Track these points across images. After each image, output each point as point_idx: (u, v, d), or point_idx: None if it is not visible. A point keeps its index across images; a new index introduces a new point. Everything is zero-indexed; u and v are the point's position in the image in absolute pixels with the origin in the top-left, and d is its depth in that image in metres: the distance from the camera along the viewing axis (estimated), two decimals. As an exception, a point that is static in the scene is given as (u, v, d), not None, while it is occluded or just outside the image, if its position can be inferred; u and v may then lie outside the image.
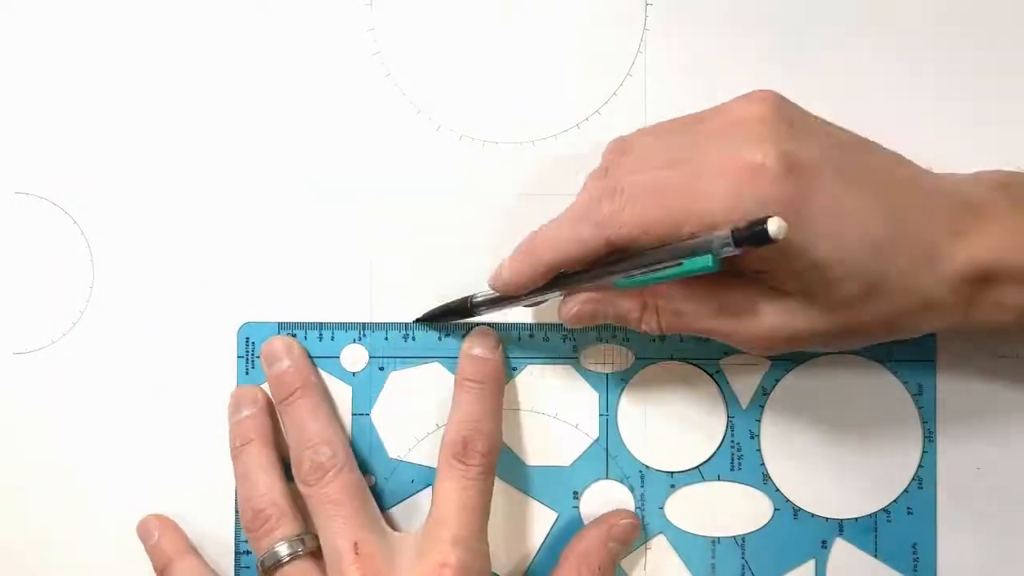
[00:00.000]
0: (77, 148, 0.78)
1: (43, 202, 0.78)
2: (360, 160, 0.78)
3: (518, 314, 0.76)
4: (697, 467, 0.77)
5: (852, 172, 0.59)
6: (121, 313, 0.78)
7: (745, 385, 0.77)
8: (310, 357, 0.76)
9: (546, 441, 0.78)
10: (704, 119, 0.63)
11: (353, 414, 0.77)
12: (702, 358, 0.77)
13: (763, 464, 0.77)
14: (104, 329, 0.78)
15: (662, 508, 0.77)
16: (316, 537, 0.69)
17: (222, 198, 0.78)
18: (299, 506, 0.72)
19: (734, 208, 0.55)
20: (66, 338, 0.78)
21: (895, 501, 0.77)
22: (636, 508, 0.77)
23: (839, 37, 0.78)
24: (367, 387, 0.77)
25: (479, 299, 0.72)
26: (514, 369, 0.77)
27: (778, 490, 0.77)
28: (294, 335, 0.76)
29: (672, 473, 0.77)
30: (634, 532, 0.75)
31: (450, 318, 0.76)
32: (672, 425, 0.77)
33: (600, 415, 0.77)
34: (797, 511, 0.77)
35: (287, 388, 0.74)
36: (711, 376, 0.77)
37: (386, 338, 0.77)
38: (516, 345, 0.77)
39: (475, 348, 0.74)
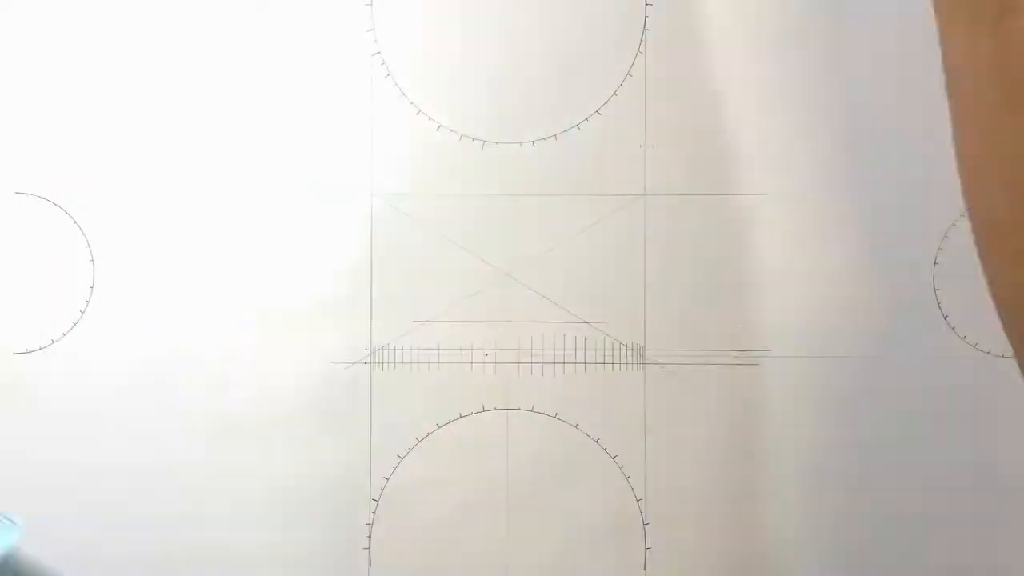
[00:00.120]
0: (77, 148, 0.78)
1: (43, 202, 0.78)
2: (360, 160, 0.78)
3: (518, 314, 0.76)
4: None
5: None
6: (121, 313, 0.78)
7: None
8: None
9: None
10: None
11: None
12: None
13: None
14: (104, 329, 0.78)
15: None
16: None
17: (222, 198, 0.78)
18: None
19: None
20: (66, 338, 0.78)
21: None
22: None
23: (839, 37, 0.78)
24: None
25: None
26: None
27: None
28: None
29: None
30: None
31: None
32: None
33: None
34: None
35: None
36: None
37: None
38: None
39: None
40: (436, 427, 0.77)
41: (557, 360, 0.78)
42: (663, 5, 0.78)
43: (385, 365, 0.78)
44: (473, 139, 0.78)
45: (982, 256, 0.54)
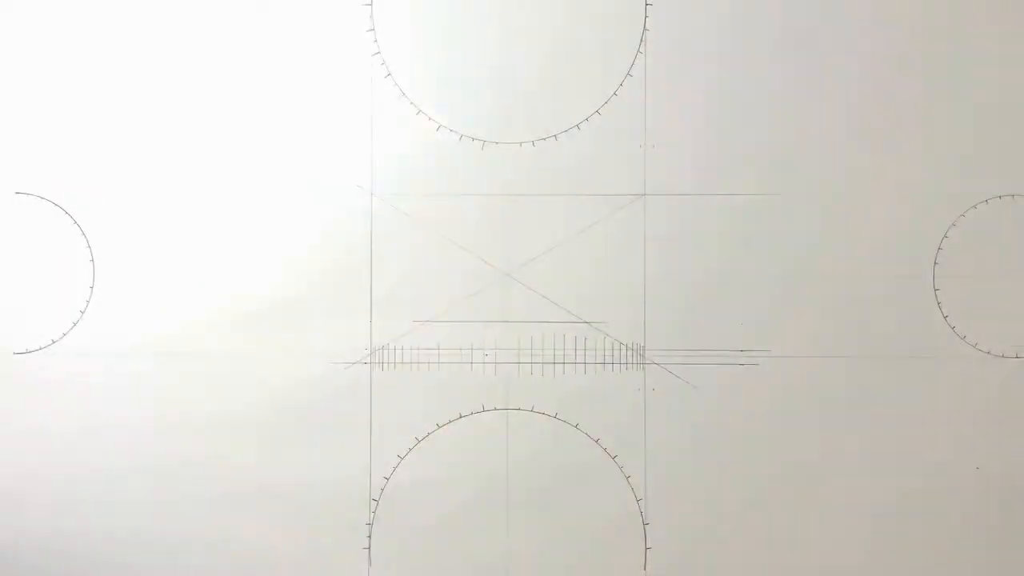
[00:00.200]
0: (77, 148, 0.78)
1: (43, 202, 0.78)
2: (360, 160, 0.78)
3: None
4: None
5: None
6: (121, 312, 0.78)
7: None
8: None
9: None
10: None
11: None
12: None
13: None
14: (104, 329, 0.78)
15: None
16: None
17: (222, 198, 0.78)
18: None
19: None
20: (66, 338, 0.78)
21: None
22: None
23: (839, 38, 0.78)
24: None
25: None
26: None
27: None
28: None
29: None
30: None
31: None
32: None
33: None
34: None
35: None
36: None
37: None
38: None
39: None
40: (436, 427, 0.77)
41: (557, 360, 0.78)
42: (663, 5, 0.78)
43: (385, 365, 0.78)
44: (473, 139, 0.78)
45: None
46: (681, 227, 0.78)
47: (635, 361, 0.78)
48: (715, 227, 0.78)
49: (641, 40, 0.78)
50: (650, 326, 0.78)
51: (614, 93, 0.78)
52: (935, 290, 0.77)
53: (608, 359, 0.78)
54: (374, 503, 0.77)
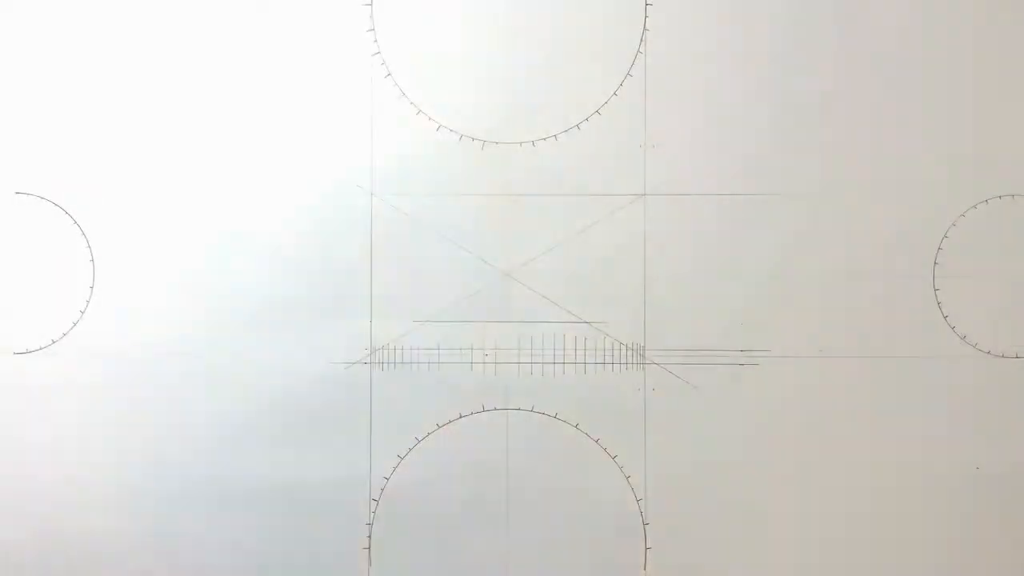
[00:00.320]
0: (77, 148, 0.78)
1: (43, 202, 0.78)
2: (360, 160, 0.78)
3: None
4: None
5: None
6: (121, 312, 0.78)
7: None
8: None
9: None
10: None
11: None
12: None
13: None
14: (104, 329, 0.78)
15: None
16: None
17: (222, 198, 0.78)
18: None
19: None
20: (66, 338, 0.78)
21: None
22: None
23: (839, 38, 0.78)
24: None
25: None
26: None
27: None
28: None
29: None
30: None
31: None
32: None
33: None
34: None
35: None
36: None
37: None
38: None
39: None
40: (436, 427, 0.77)
41: (557, 360, 0.78)
42: (663, 5, 0.78)
43: (385, 365, 0.78)
44: (473, 139, 0.78)
45: None
46: (681, 227, 0.78)
47: (635, 361, 0.78)
48: (715, 227, 0.78)
49: (641, 40, 0.78)
50: (650, 326, 0.78)
51: (614, 93, 0.78)
52: (935, 290, 0.77)
53: (608, 359, 0.78)
54: (374, 503, 0.78)
